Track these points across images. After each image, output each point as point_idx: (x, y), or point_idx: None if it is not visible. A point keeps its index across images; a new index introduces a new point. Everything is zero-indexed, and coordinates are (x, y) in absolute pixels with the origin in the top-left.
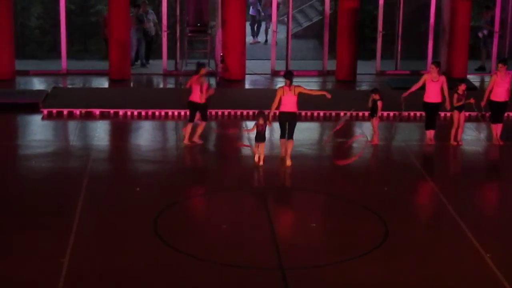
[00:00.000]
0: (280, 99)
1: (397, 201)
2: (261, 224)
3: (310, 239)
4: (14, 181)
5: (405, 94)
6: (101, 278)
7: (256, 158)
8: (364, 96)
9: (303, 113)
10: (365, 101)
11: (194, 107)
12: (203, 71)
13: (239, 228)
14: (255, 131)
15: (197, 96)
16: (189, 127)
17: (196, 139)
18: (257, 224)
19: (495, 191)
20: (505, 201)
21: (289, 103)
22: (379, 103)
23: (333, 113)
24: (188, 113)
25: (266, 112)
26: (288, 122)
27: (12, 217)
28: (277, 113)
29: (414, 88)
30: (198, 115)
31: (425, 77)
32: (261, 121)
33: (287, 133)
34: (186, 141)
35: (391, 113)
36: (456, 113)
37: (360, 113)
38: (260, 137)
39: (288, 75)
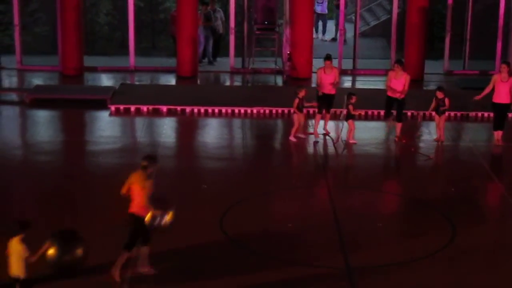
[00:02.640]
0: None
1: (464, 202)
2: (327, 223)
3: (376, 239)
4: (82, 177)
5: (479, 97)
6: (168, 273)
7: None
8: (432, 96)
9: (369, 112)
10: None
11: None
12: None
13: (305, 227)
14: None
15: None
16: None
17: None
18: (323, 223)
19: None
20: None
21: None
22: (446, 101)
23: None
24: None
25: None
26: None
27: (80, 212)
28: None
29: (487, 90)
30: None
31: (495, 77)
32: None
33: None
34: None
35: (459, 113)
36: None
37: (427, 113)
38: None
39: None
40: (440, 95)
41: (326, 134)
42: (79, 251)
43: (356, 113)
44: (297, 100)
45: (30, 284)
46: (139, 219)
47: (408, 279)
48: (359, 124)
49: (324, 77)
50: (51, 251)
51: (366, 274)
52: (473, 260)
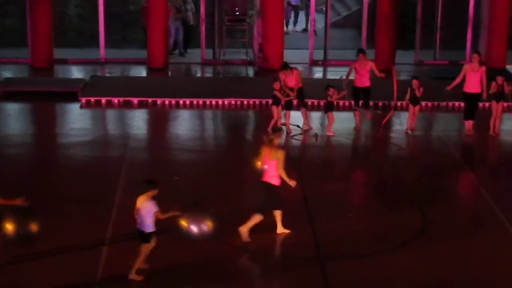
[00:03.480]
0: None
1: (436, 192)
2: (299, 213)
3: (348, 229)
4: (54, 169)
5: (450, 86)
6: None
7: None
8: (404, 85)
9: (341, 103)
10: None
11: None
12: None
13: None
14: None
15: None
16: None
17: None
18: (295, 213)
19: None
20: None
21: None
22: (421, 90)
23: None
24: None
25: None
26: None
27: (52, 204)
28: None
29: (458, 80)
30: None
31: (466, 67)
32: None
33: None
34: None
35: (430, 103)
36: (494, 103)
37: (405, 103)
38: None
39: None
40: (415, 84)
41: (306, 128)
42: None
43: (338, 96)
44: (276, 93)
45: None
46: (273, 187)
47: (380, 267)
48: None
49: (287, 80)
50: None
51: (338, 264)
52: (445, 248)
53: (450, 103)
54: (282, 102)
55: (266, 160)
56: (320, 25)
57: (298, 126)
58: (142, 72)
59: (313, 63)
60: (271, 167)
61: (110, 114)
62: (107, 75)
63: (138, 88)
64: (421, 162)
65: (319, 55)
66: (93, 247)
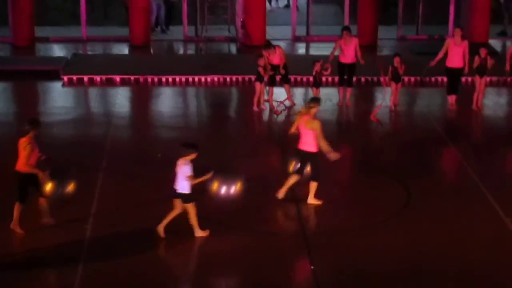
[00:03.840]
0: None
1: (419, 167)
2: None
3: (333, 204)
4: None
5: (433, 62)
6: (125, 242)
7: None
8: (387, 61)
9: (323, 78)
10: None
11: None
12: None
13: (260, 194)
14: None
15: None
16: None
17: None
18: (278, 189)
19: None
20: None
21: None
22: (403, 67)
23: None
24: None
25: None
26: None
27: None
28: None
29: (441, 55)
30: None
31: (448, 41)
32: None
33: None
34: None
35: (413, 78)
36: (477, 78)
37: (387, 80)
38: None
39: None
40: (397, 61)
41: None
42: None
43: (325, 73)
44: (260, 69)
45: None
46: (313, 154)
47: (363, 242)
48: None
49: (271, 58)
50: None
51: (321, 239)
52: (428, 222)
53: (434, 78)
54: (265, 79)
55: (303, 128)
56: (302, 1)
57: (281, 102)
58: (124, 49)
59: (296, 39)
60: (308, 136)
61: (93, 92)
62: (89, 53)
63: (120, 65)
64: (404, 138)
65: (301, 31)
66: (77, 228)
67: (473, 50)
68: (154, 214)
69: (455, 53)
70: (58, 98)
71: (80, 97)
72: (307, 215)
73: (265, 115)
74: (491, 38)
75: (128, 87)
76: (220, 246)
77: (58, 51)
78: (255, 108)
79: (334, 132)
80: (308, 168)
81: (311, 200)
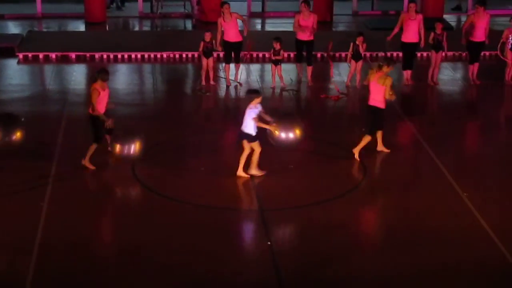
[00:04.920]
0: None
1: (375, 141)
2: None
3: (289, 182)
4: None
5: (390, 37)
6: (81, 221)
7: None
8: (342, 37)
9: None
10: (345, 44)
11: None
12: None
13: (217, 171)
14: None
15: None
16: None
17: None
18: (234, 167)
19: (471, 130)
20: (481, 139)
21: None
22: (364, 46)
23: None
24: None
25: None
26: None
27: None
28: None
29: (396, 30)
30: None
31: (403, 16)
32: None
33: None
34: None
35: (368, 54)
36: (433, 53)
37: (337, 54)
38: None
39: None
40: (360, 40)
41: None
42: None
43: (280, 57)
44: (202, 44)
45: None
46: (380, 110)
47: (319, 217)
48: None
49: (225, 25)
50: None
51: (278, 215)
52: (385, 197)
53: (389, 53)
54: (214, 55)
55: (374, 84)
56: None
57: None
58: (80, 26)
59: (251, 15)
60: (378, 92)
61: (48, 69)
62: (44, 30)
63: (76, 42)
64: (360, 113)
65: (257, 7)
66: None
67: (429, 25)
68: (109, 193)
69: (410, 28)
70: (14, 75)
71: (35, 74)
72: (264, 191)
73: (217, 91)
74: (446, 13)
75: (83, 64)
76: (175, 220)
77: (13, 28)
78: (203, 82)
79: (295, 107)
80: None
81: (380, 147)
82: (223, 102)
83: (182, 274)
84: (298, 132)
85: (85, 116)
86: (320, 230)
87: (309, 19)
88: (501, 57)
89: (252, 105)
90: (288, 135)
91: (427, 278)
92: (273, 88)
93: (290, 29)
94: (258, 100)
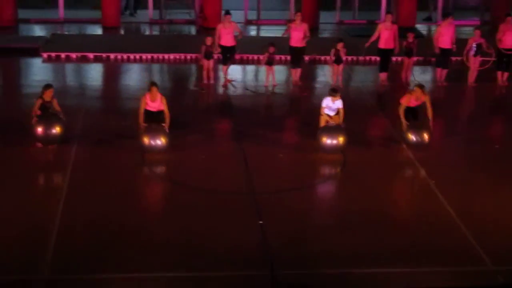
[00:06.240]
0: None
1: (354, 134)
2: (235, 154)
3: (279, 168)
4: (17, 116)
5: (367, 43)
6: (98, 203)
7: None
8: (326, 42)
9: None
10: (330, 49)
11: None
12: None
13: (216, 158)
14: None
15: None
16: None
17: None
18: (231, 155)
19: (439, 124)
20: (446, 133)
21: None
22: (344, 51)
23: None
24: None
25: None
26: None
27: (14, 148)
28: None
29: (374, 37)
30: None
31: (380, 26)
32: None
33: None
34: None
35: (349, 58)
36: (405, 58)
37: (323, 58)
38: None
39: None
40: (340, 46)
41: (229, 80)
42: None
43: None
44: (204, 47)
45: None
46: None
47: (300, 201)
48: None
49: (223, 31)
50: None
51: (268, 198)
52: (361, 184)
53: (368, 58)
54: (215, 57)
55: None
56: None
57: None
58: (97, 30)
59: (248, 22)
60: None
61: (69, 67)
62: (66, 33)
63: (93, 44)
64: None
65: (253, 15)
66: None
67: (402, 33)
68: (121, 178)
69: (386, 36)
70: (38, 72)
71: (57, 71)
72: (254, 176)
73: (216, 89)
74: (418, 23)
75: (100, 63)
76: (169, 202)
77: (38, 31)
78: (205, 81)
79: (285, 105)
80: None
81: None
82: (220, 98)
83: (178, 250)
84: (341, 139)
85: (100, 108)
86: (307, 211)
87: (301, 27)
88: (465, 62)
89: (328, 98)
90: (333, 141)
91: (397, 255)
92: (266, 87)
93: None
94: (335, 98)
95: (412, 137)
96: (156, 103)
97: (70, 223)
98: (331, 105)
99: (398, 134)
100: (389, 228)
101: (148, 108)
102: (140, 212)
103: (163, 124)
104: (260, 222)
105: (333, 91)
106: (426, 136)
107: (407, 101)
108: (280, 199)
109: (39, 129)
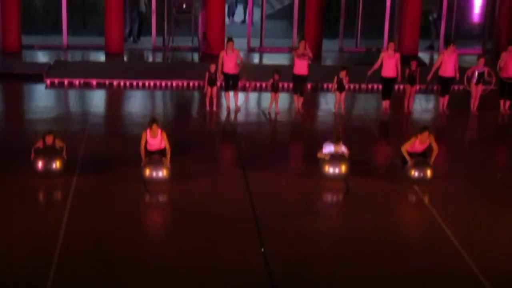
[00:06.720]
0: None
1: (357, 161)
2: (237, 180)
3: (282, 194)
4: (21, 142)
5: (370, 72)
6: (97, 224)
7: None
8: (330, 70)
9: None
10: (333, 76)
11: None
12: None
13: (218, 184)
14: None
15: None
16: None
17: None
18: (235, 179)
19: (441, 152)
20: (448, 160)
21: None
22: (346, 79)
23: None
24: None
25: None
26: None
27: (16, 174)
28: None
29: (376, 65)
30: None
31: (383, 54)
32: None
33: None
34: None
35: (352, 86)
36: (408, 86)
37: (325, 85)
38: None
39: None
40: (343, 74)
41: (239, 108)
42: None
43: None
44: (207, 74)
45: None
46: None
47: (304, 227)
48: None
49: (226, 58)
50: None
51: (271, 224)
52: (365, 209)
53: (370, 86)
54: (218, 84)
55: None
56: (257, 16)
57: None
58: (100, 57)
59: (251, 50)
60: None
61: (72, 94)
62: (69, 59)
63: (96, 71)
64: (344, 136)
65: (255, 42)
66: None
67: (405, 61)
68: (122, 201)
69: (389, 64)
70: (42, 98)
71: (61, 98)
72: (258, 202)
73: (219, 115)
74: (420, 51)
75: (103, 90)
76: (170, 227)
77: (42, 57)
78: (207, 108)
79: (288, 132)
80: None
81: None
82: (223, 124)
83: (179, 276)
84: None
85: (102, 134)
86: (309, 238)
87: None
88: (467, 88)
89: (331, 145)
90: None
91: (399, 282)
92: (269, 113)
93: (285, 62)
94: (338, 146)
95: (414, 173)
96: (156, 139)
97: (72, 247)
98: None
99: (399, 159)
100: (392, 255)
101: (149, 147)
102: (142, 237)
103: (164, 158)
104: (262, 250)
105: (337, 140)
106: (429, 173)
107: (411, 145)
108: (283, 225)
109: (39, 164)
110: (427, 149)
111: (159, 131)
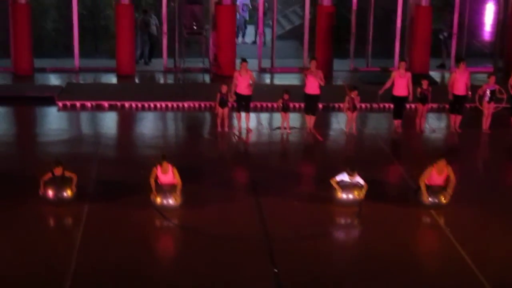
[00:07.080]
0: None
1: (369, 181)
2: (248, 198)
3: (294, 215)
4: (33, 165)
5: (381, 91)
6: (108, 250)
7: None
8: (340, 90)
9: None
10: (343, 95)
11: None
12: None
13: (230, 206)
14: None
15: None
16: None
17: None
18: (247, 199)
19: (454, 171)
20: (462, 180)
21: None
22: (358, 99)
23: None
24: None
25: None
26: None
27: (28, 199)
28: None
29: (388, 84)
30: None
31: (394, 73)
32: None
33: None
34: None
35: (363, 105)
36: (419, 105)
37: (336, 105)
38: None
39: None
40: (354, 94)
41: (250, 130)
42: None
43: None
44: (218, 95)
45: None
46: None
47: (317, 249)
48: (276, 115)
49: (240, 79)
50: None
51: (283, 245)
52: (377, 230)
53: (382, 105)
54: (229, 105)
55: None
56: (268, 37)
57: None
58: (112, 79)
59: (262, 70)
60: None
61: (84, 116)
62: (81, 82)
63: (108, 93)
64: (356, 156)
65: (266, 63)
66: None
67: (416, 80)
68: (134, 222)
69: (400, 83)
70: (54, 121)
71: (73, 120)
72: (271, 223)
73: (231, 136)
74: (431, 70)
75: (115, 112)
76: (183, 250)
77: (54, 80)
78: (219, 129)
79: (300, 151)
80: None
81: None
82: (235, 146)
83: None
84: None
85: (115, 157)
86: (322, 259)
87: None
88: (479, 106)
89: (345, 175)
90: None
91: None
92: (281, 133)
93: (296, 82)
94: (353, 176)
95: (429, 199)
96: (168, 175)
97: (84, 271)
98: (347, 182)
99: (412, 179)
100: (405, 276)
101: (160, 182)
102: (155, 260)
103: (174, 193)
104: (275, 270)
105: (351, 170)
106: (443, 199)
107: (428, 176)
108: (296, 247)
109: (50, 193)
110: (446, 181)
111: (170, 167)
